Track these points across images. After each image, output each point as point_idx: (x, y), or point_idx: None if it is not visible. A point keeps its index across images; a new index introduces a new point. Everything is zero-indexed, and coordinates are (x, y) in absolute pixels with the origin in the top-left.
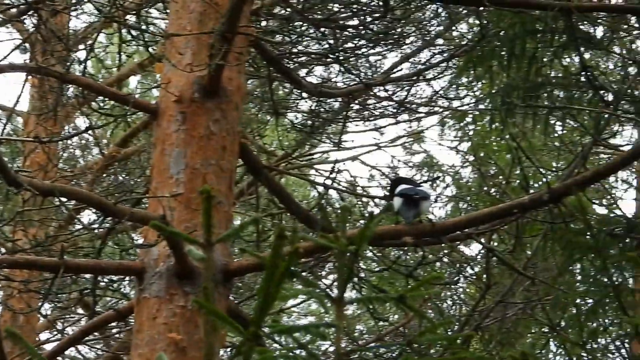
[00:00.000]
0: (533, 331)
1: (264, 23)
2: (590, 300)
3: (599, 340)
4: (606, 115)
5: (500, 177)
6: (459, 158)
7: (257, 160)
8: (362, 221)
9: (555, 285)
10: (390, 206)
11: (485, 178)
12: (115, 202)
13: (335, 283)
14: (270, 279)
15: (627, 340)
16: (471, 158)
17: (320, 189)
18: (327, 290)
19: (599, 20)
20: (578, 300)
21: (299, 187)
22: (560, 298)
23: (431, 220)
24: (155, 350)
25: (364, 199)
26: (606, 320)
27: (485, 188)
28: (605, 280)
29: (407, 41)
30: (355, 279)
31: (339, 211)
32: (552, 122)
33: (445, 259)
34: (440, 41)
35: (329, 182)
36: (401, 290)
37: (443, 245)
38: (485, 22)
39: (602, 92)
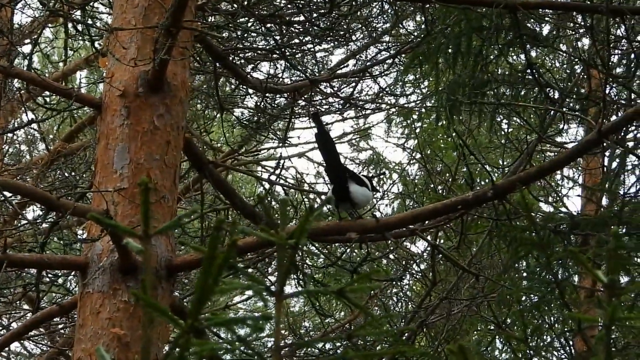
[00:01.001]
0: (479, 328)
1: (209, 18)
2: (535, 297)
3: (544, 337)
4: (552, 113)
5: (447, 174)
6: (405, 155)
7: (201, 155)
8: None
9: (500, 281)
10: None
11: (431, 175)
12: (59, 196)
13: None
14: (207, 270)
15: (570, 337)
16: (417, 155)
17: (266, 185)
18: (268, 283)
19: (545, 18)
20: (522, 297)
21: (246, 184)
22: (505, 295)
23: (375, 216)
24: (98, 345)
25: (311, 196)
26: (551, 318)
27: (432, 185)
28: (550, 277)
29: (353, 38)
30: (300, 275)
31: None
32: (498, 119)
33: (391, 256)
34: (386, 38)
35: (274, 177)
36: (341, 284)
37: (389, 242)
38: (431, 18)
39: (547, 89)
